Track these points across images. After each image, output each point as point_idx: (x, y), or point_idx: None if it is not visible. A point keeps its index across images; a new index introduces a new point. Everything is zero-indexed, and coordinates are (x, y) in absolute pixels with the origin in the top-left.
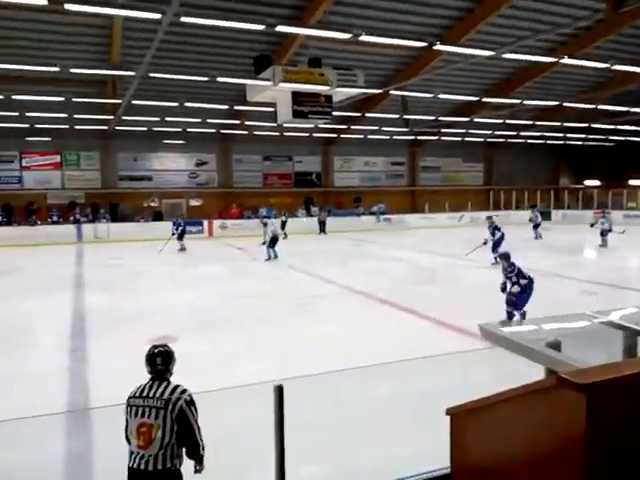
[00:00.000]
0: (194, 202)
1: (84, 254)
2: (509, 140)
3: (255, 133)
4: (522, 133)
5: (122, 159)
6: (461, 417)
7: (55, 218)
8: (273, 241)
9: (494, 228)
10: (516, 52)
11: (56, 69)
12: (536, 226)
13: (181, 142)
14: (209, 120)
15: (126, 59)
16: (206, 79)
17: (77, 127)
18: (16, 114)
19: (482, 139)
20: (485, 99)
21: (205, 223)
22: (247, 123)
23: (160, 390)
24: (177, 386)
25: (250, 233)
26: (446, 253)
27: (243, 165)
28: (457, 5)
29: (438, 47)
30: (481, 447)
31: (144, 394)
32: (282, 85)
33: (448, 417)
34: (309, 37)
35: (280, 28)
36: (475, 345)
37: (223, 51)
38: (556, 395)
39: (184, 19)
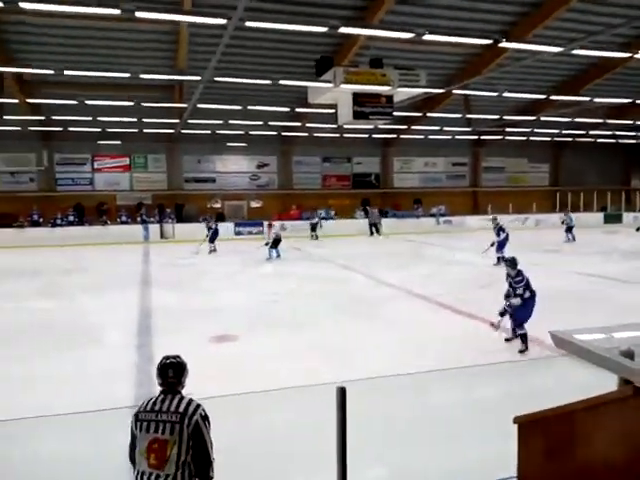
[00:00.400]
0: (255, 203)
1: (150, 253)
2: (577, 139)
3: (315, 135)
4: (591, 132)
5: (187, 161)
6: (530, 426)
7: (124, 218)
8: (275, 242)
9: (499, 229)
10: (587, 48)
11: (127, 75)
12: (569, 229)
13: (243, 145)
14: (270, 123)
15: (192, 64)
16: (268, 82)
17: (145, 131)
18: (89, 119)
19: (549, 138)
20: (552, 97)
21: (265, 224)
22: (307, 125)
23: (174, 404)
24: (191, 400)
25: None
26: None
27: (302, 167)
28: (523, 0)
29: (504, 44)
30: (551, 457)
31: (156, 408)
32: (343, 86)
33: (510, 425)
34: (370, 37)
35: (343, 29)
36: (542, 352)
37: (284, 54)
38: (633, 406)
39: (249, 24)
